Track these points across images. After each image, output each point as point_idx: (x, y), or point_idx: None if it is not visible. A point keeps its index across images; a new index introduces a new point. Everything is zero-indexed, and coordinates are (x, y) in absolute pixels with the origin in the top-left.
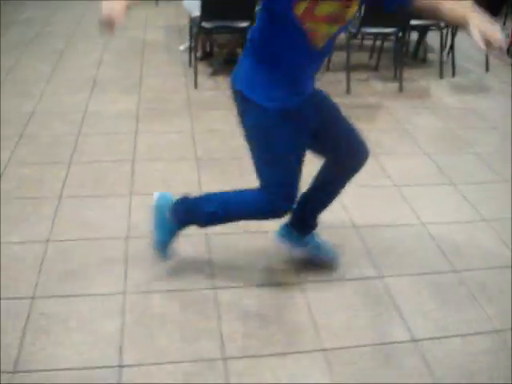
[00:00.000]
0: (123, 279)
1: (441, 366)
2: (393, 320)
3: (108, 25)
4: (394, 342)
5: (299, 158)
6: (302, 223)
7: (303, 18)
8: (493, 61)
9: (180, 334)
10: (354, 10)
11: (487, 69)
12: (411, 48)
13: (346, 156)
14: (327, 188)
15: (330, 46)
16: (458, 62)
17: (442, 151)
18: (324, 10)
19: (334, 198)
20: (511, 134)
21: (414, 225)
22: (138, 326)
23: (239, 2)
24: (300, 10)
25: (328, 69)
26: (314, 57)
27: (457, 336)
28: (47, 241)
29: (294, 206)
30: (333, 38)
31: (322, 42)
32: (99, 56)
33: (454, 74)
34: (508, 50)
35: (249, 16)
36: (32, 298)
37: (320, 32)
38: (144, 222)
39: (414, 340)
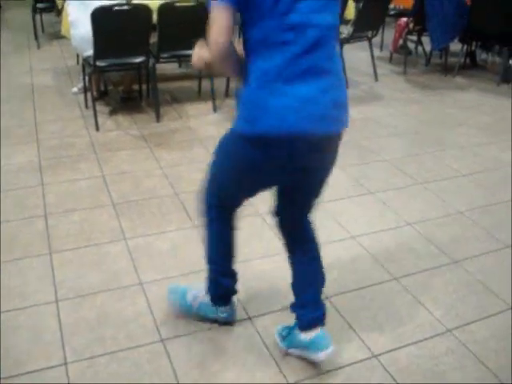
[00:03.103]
0: (61, 348)
1: (405, 377)
2: (350, 339)
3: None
4: (356, 362)
5: None
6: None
7: None
8: (379, 71)
9: None
10: None
11: (376, 79)
12: None
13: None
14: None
15: None
16: (347, 75)
17: (353, 162)
18: None
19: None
20: (412, 139)
21: (346, 239)
22: None
23: (133, 38)
24: None
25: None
26: None
27: (415, 343)
28: None
29: None
30: None
31: None
32: None
33: (347, 87)
34: (401, 46)
35: (143, 51)
36: None
37: None
38: (70, 280)
39: (374, 355)
